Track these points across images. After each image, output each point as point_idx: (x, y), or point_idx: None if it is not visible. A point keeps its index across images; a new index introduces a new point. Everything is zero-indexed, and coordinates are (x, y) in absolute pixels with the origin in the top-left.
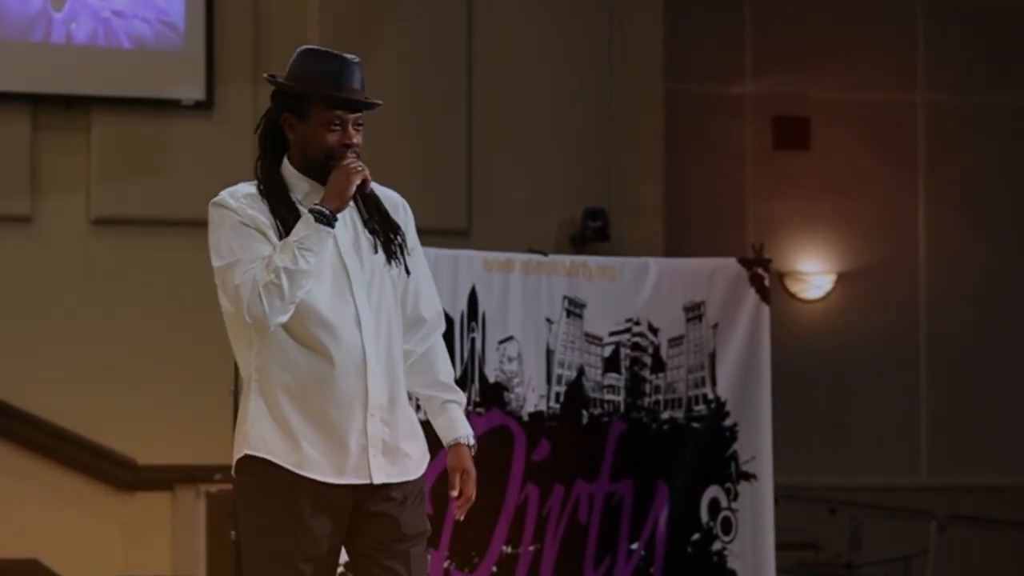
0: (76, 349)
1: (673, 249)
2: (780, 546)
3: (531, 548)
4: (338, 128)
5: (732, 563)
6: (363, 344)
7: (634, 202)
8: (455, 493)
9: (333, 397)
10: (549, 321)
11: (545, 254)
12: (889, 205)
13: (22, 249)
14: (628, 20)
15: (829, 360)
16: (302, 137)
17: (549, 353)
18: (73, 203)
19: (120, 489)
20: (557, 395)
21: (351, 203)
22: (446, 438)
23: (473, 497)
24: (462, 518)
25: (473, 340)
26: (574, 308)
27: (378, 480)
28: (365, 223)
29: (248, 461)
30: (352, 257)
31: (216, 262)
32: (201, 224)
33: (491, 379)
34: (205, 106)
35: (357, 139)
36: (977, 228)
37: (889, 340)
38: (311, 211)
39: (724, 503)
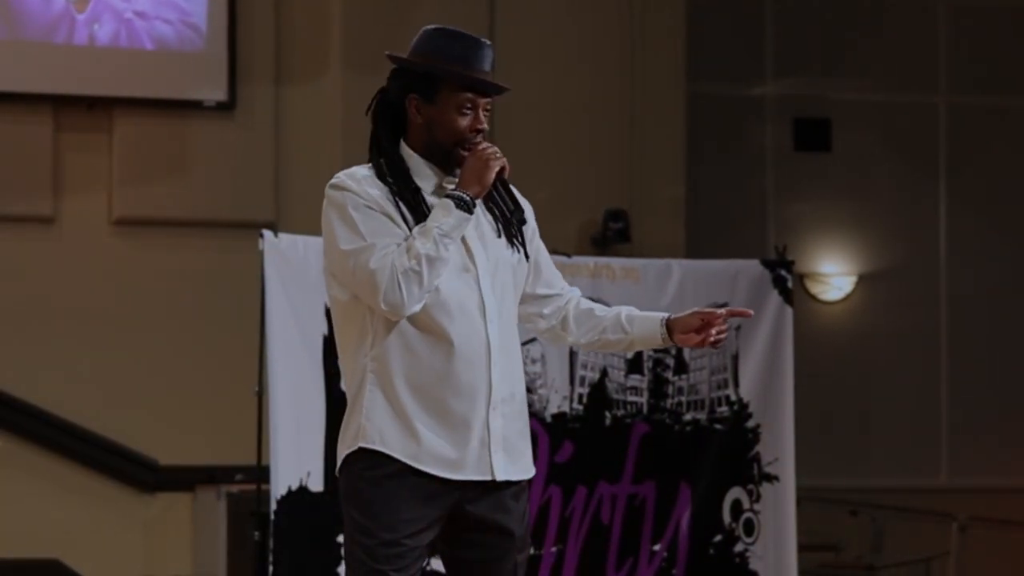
0: (97, 349)
1: (693, 250)
2: (801, 548)
3: (554, 549)
4: (469, 112)
5: (754, 564)
6: (487, 333)
7: (655, 203)
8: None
9: (454, 387)
10: None
11: (569, 256)
12: (910, 207)
13: (44, 249)
14: (650, 22)
15: (849, 362)
16: (429, 120)
17: (572, 355)
18: (95, 204)
19: (141, 490)
20: (580, 396)
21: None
22: (654, 323)
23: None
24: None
25: None
26: None
27: (500, 477)
28: (487, 207)
29: (360, 454)
30: (476, 243)
31: (345, 245)
32: (221, 225)
33: None
34: (227, 107)
35: (486, 124)
36: (998, 229)
37: (909, 342)
38: (450, 197)
39: (746, 504)
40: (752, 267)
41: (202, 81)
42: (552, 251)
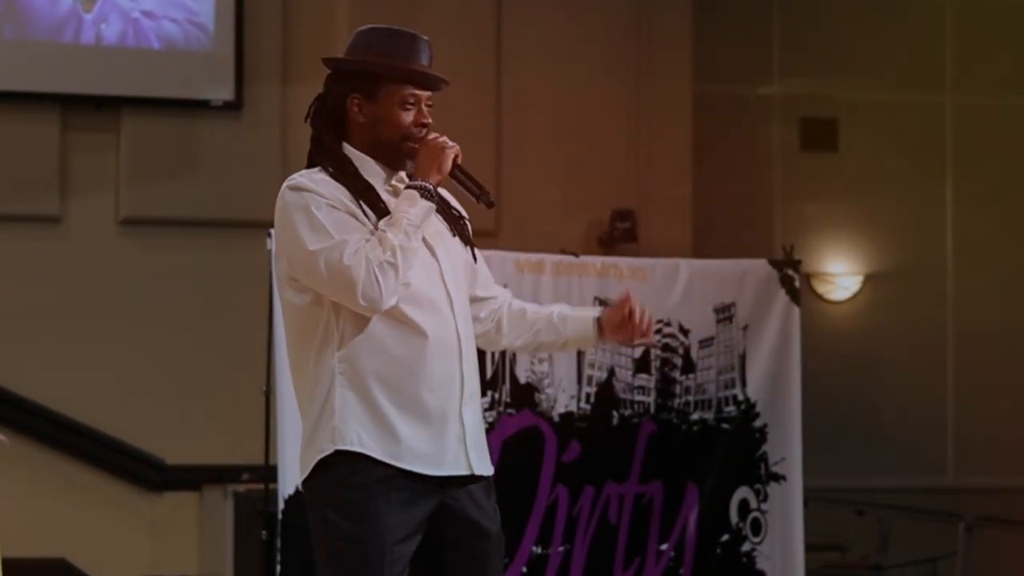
0: (104, 349)
1: (700, 250)
2: (807, 547)
3: (561, 549)
4: (412, 107)
5: (761, 564)
6: (457, 327)
7: (662, 203)
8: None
9: (428, 381)
10: None
11: (576, 255)
12: (916, 206)
13: (51, 249)
14: (657, 21)
15: (856, 362)
16: (372, 118)
17: (579, 354)
18: (102, 203)
19: (148, 489)
20: (587, 396)
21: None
22: (586, 322)
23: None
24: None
25: None
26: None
27: (477, 471)
28: (439, 208)
29: (338, 457)
30: (436, 240)
31: (313, 245)
32: (228, 225)
33: (522, 380)
34: (234, 107)
35: (430, 118)
36: (1005, 229)
37: (916, 341)
38: (413, 187)
39: (754, 504)
40: (759, 266)
41: (209, 81)
42: (561, 251)
